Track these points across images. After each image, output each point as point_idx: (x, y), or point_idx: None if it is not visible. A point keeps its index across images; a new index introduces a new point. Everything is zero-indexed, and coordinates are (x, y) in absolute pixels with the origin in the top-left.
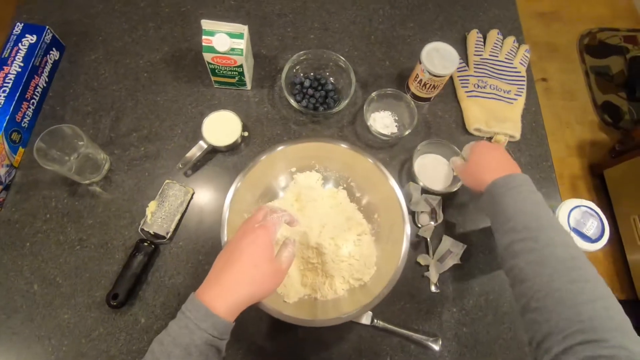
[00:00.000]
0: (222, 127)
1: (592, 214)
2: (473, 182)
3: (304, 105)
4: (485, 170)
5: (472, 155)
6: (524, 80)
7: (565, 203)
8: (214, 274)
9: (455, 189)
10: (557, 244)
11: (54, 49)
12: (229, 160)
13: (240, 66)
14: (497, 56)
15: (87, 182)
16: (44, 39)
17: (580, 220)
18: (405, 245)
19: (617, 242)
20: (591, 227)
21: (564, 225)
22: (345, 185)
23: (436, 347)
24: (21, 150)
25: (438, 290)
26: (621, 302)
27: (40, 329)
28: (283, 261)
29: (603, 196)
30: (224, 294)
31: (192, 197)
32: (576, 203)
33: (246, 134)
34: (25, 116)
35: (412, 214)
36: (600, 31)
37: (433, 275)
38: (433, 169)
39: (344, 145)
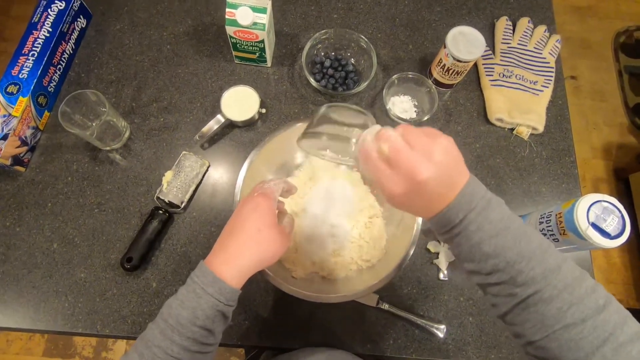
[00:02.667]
0: (240, 102)
1: (612, 209)
2: (411, 210)
3: (323, 85)
4: (411, 206)
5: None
6: (552, 72)
7: (586, 197)
8: (219, 243)
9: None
10: (571, 281)
11: (81, 16)
12: (245, 135)
13: (262, 41)
14: (525, 45)
15: (107, 148)
16: (72, 5)
17: (600, 215)
18: (416, 230)
19: (637, 249)
20: (611, 223)
21: (582, 221)
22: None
23: (440, 334)
24: (47, 113)
25: (446, 279)
26: (637, 312)
27: (58, 285)
28: (285, 226)
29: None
30: (230, 260)
31: (207, 170)
32: (597, 198)
33: (264, 110)
34: (52, 81)
35: None
36: (637, 29)
37: (442, 263)
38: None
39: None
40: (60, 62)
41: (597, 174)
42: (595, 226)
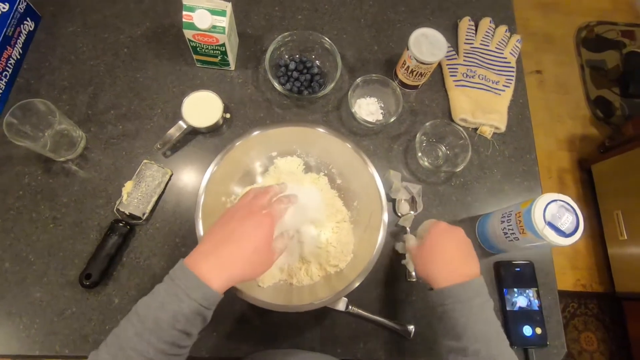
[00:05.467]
0: (202, 108)
1: (568, 208)
2: (422, 272)
3: (288, 89)
4: (438, 263)
5: (428, 237)
6: (513, 71)
7: (542, 197)
8: (211, 245)
9: None
10: None
11: (28, 18)
12: (209, 142)
13: (223, 45)
14: (487, 45)
15: (62, 159)
16: (17, 7)
17: (555, 214)
18: (382, 233)
19: (599, 236)
20: (566, 221)
21: (539, 220)
22: (326, 172)
23: (409, 335)
24: None
25: (414, 279)
26: (599, 295)
27: (11, 306)
28: (276, 251)
29: (589, 191)
30: (221, 268)
31: (170, 179)
32: (553, 197)
33: (228, 115)
34: None
35: (392, 201)
36: (598, 24)
37: (410, 264)
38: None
39: (323, 131)
40: (7, 68)
41: (562, 165)
42: (551, 225)
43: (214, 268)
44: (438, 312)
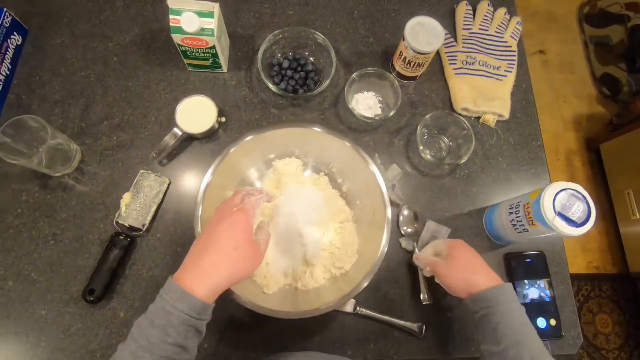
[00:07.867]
0: (196, 113)
1: (578, 197)
2: (457, 281)
3: (282, 88)
4: (471, 270)
5: (455, 250)
6: (514, 55)
7: (551, 186)
8: (191, 257)
9: None
10: None
11: (15, 32)
12: (206, 147)
13: (213, 47)
14: (487, 30)
15: (58, 174)
16: (2, 22)
17: (566, 204)
18: (387, 230)
19: (610, 216)
20: (577, 210)
21: (549, 211)
22: (326, 171)
23: (420, 333)
24: None
25: (430, 302)
26: (613, 276)
27: (17, 325)
28: (261, 243)
29: (598, 171)
30: (203, 277)
31: (168, 187)
32: (562, 186)
33: (223, 119)
34: None
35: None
36: None
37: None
38: None
39: (320, 130)
40: None
41: (570, 146)
42: (561, 215)
43: (197, 277)
44: (477, 318)
